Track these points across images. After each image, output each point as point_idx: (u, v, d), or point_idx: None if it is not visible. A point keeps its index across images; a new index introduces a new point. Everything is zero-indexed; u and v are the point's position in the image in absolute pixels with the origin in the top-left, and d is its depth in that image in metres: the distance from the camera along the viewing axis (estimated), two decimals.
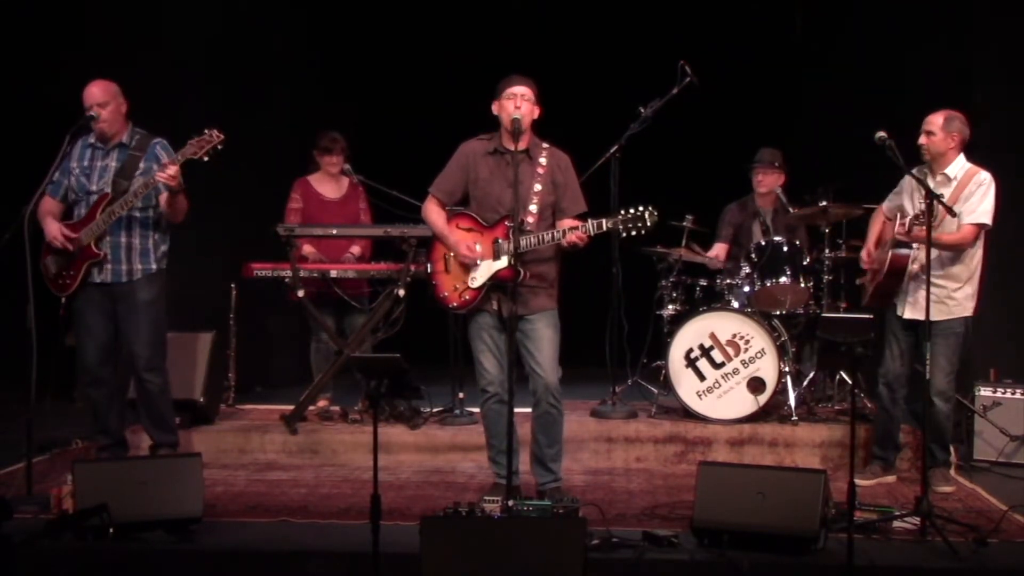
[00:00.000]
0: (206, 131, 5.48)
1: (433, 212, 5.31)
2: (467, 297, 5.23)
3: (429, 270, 5.40)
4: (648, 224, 4.96)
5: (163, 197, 5.60)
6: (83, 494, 4.70)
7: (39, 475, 5.55)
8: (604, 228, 5.02)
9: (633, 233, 5.00)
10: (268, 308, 8.12)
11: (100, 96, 5.58)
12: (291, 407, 6.63)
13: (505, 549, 4.16)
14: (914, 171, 5.46)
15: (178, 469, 4.87)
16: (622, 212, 5.01)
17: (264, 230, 6.69)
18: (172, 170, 5.40)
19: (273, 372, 8.58)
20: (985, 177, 5.54)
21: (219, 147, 5.46)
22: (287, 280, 6.58)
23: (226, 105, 7.70)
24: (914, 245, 5.55)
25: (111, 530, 4.55)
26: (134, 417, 6.14)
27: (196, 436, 6.39)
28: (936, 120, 5.55)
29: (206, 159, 5.47)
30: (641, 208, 4.97)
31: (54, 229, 5.61)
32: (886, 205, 5.91)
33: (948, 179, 5.56)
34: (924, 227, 5.11)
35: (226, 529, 4.94)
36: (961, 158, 5.59)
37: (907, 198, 5.72)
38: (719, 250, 7.24)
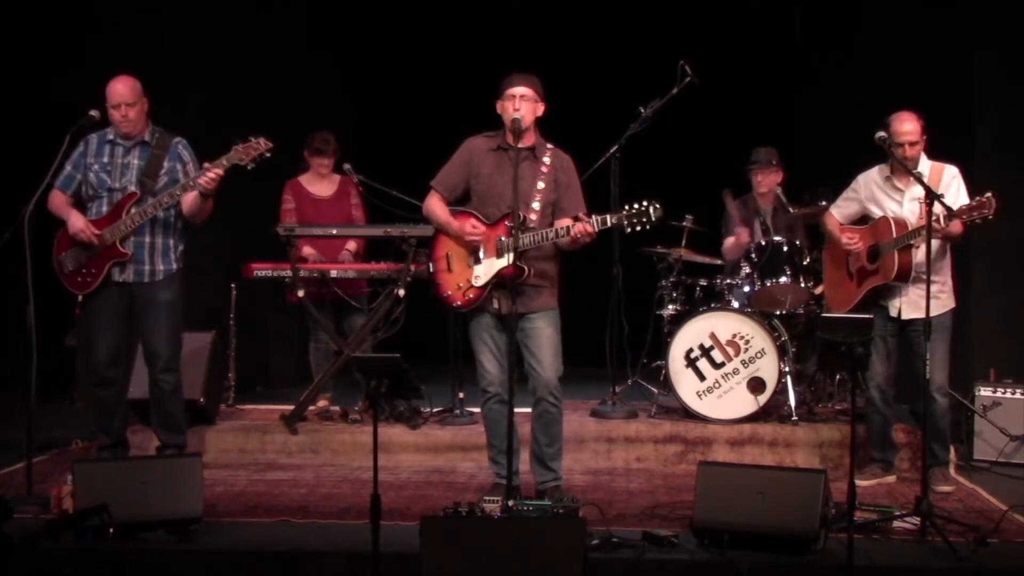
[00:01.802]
0: (251, 138, 5.46)
1: (435, 206, 5.30)
2: (471, 296, 5.22)
3: (431, 269, 5.38)
4: (653, 218, 4.93)
5: (189, 198, 5.58)
6: (83, 494, 4.69)
7: (39, 475, 5.55)
8: (608, 224, 5.00)
9: (638, 228, 4.96)
10: (268, 308, 8.13)
11: (128, 95, 5.55)
12: (291, 407, 6.63)
13: (505, 549, 4.16)
14: (877, 171, 5.62)
15: (178, 469, 4.87)
16: (626, 207, 4.98)
17: (264, 230, 6.69)
18: (215, 173, 5.40)
19: (273, 372, 8.58)
20: (955, 170, 5.62)
21: (267, 155, 5.45)
22: (287, 280, 6.59)
23: (226, 105, 7.72)
24: (913, 244, 5.54)
25: (111, 530, 4.54)
26: (135, 417, 6.15)
27: (196, 436, 6.37)
28: (915, 128, 5.55)
29: (251, 167, 5.46)
30: (645, 203, 4.93)
31: (81, 223, 5.55)
32: (841, 211, 5.89)
33: (920, 176, 5.60)
34: (959, 221, 5.27)
35: (226, 529, 4.94)
36: (923, 155, 5.65)
37: (870, 203, 5.74)
38: (741, 235, 6.96)
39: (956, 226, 5.42)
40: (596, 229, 5.00)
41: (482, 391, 5.30)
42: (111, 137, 5.66)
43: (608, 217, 5.00)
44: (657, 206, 4.93)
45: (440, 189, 5.29)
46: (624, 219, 4.96)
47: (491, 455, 5.40)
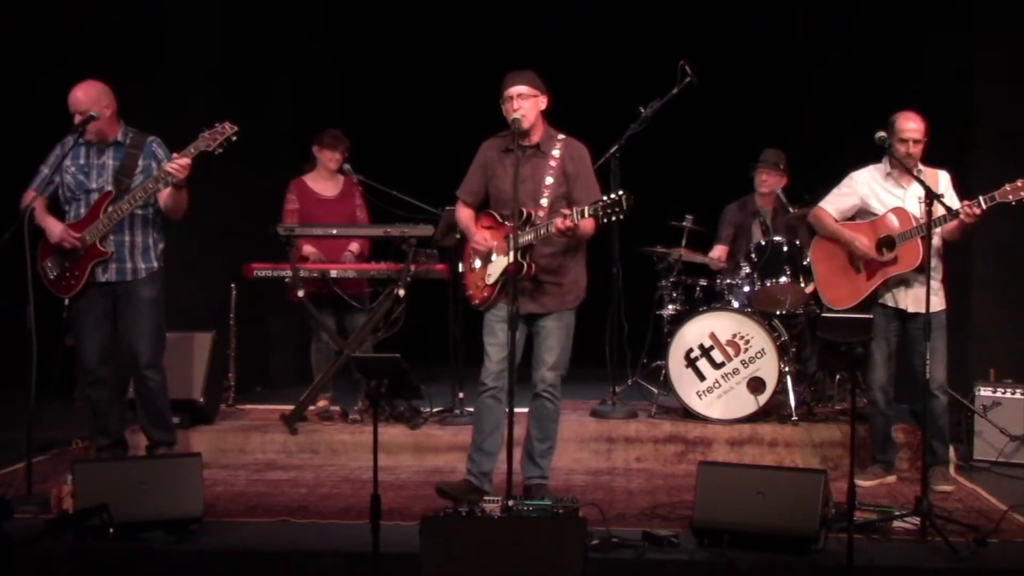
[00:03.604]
0: (218, 124, 5.46)
1: (461, 213, 5.46)
2: (486, 294, 5.33)
3: (460, 270, 5.63)
4: (625, 208, 4.95)
5: (165, 193, 5.58)
6: (83, 494, 4.69)
7: (39, 475, 5.54)
8: (586, 215, 5.04)
9: (613, 219, 4.99)
10: (268, 308, 8.14)
11: (84, 103, 5.51)
12: (291, 407, 6.63)
13: (505, 549, 4.16)
14: (873, 169, 5.66)
15: (178, 469, 4.87)
16: (601, 199, 5.02)
17: (264, 230, 6.69)
18: (183, 162, 5.39)
19: (273, 372, 8.59)
20: (946, 174, 5.66)
21: (233, 139, 5.45)
22: (287, 280, 6.59)
23: (226, 105, 7.68)
24: (935, 235, 5.51)
25: (111, 530, 4.54)
26: (133, 417, 6.15)
27: (196, 436, 6.39)
28: (919, 127, 5.58)
29: (219, 152, 5.46)
30: (621, 192, 4.97)
31: (60, 230, 5.55)
32: (836, 207, 5.85)
33: (920, 176, 5.62)
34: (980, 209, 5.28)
35: (226, 529, 4.94)
36: None
37: (870, 199, 5.74)
38: (720, 251, 7.24)
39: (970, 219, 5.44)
40: (575, 223, 5.03)
41: (480, 382, 5.32)
42: (84, 140, 5.64)
43: (585, 209, 5.05)
44: (629, 196, 4.95)
45: (464, 196, 5.45)
46: (599, 209, 5.00)
47: (470, 451, 5.39)
